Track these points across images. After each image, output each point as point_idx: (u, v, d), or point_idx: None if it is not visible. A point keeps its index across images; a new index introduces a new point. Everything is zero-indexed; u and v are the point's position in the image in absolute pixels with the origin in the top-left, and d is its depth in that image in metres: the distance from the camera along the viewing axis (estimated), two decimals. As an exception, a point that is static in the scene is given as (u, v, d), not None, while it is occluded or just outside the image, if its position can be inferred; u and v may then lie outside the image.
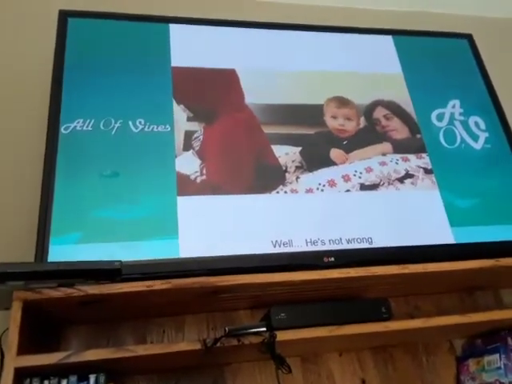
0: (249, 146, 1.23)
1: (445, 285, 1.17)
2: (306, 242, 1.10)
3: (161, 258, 1.01)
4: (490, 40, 1.66)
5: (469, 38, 1.59)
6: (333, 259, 1.08)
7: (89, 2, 1.37)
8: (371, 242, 1.13)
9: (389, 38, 1.52)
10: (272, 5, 1.62)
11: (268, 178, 1.19)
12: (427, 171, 1.28)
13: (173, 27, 1.35)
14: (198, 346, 0.87)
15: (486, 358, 1.11)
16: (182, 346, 0.88)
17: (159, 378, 1.01)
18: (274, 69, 1.37)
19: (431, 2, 1.75)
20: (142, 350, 0.86)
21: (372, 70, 1.44)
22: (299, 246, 1.09)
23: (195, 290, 0.93)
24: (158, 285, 0.90)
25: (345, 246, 1.12)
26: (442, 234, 1.19)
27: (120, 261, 0.88)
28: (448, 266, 1.05)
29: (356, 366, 1.11)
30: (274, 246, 1.08)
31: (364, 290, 1.10)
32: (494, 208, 1.27)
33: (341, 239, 1.13)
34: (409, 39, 1.54)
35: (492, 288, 1.26)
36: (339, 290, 1.06)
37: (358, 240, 1.13)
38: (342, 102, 1.35)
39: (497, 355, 1.09)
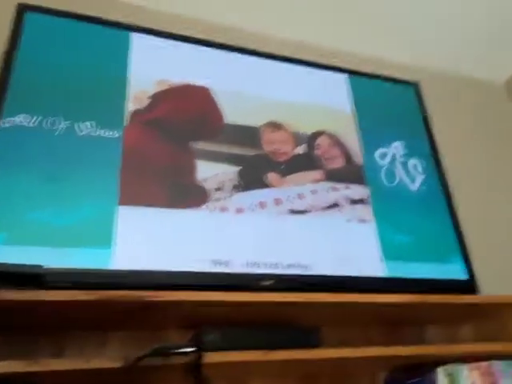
0: (166, 161, 1.21)
1: (375, 316, 1.20)
2: (245, 264, 1.10)
3: (89, 267, 0.97)
4: (434, 89, 1.78)
5: (416, 85, 1.71)
6: (269, 283, 1.08)
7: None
8: (308, 269, 1.15)
9: (344, 76, 1.60)
10: (242, 32, 1.65)
11: (194, 195, 1.17)
12: (354, 201, 1.33)
13: (134, 36, 1.35)
14: (119, 364, 0.82)
15: (407, 392, 1.14)
16: (103, 363, 0.83)
17: (76, 396, 0.94)
18: (229, 90, 1.39)
19: (384, 49, 1.86)
20: (56, 365, 0.80)
21: (325, 103, 1.50)
22: (237, 267, 1.09)
23: (123, 304, 0.90)
24: (82, 295, 0.85)
25: (282, 270, 1.13)
26: (375, 266, 1.23)
27: (42, 266, 0.84)
28: (380, 298, 1.08)
29: (282, 393, 1.10)
30: (214, 265, 1.08)
31: (297, 316, 1.10)
32: (425, 246, 1.34)
33: (278, 264, 1.14)
34: (362, 80, 1.63)
35: (418, 323, 1.31)
36: (272, 314, 1.05)
37: (296, 265, 1.15)
38: (275, 125, 1.39)
39: (418, 389, 1.12)
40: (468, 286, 1.29)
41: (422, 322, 1.31)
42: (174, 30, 1.44)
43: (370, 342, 1.20)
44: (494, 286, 1.31)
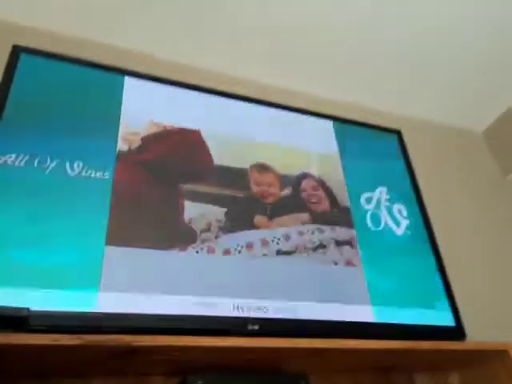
0: (155, 202, 1.21)
1: (363, 362, 1.18)
2: (232, 307, 1.09)
3: (74, 310, 0.94)
4: (415, 137, 1.85)
5: (398, 133, 1.78)
6: (257, 327, 1.07)
7: (47, 42, 1.38)
8: (296, 313, 1.14)
9: (330, 123, 1.66)
10: (233, 78, 1.72)
11: (181, 237, 1.17)
12: (340, 243, 1.35)
13: (127, 79, 1.39)
14: (102, 413, 0.79)
15: None
16: (84, 412, 0.80)
17: None
18: (218, 133, 1.42)
19: (368, 97, 1.94)
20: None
21: (313, 149, 1.55)
22: (224, 310, 1.07)
23: (107, 349, 0.87)
24: (65, 339, 0.82)
25: (270, 314, 1.11)
26: (363, 311, 1.23)
27: (28, 308, 0.81)
28: (368, 344, 1.07)
29: None
30: (201, 308, 1.06)
31: (285, 362, 1.08)
32: (411, 292, 1.34)
33: (266, 307, 1.12)
34: (347, 127, 1.69)
35: (406, 370, 1.29)
36: (260, 359, 1.03)
37: (284, 309, 1.14)
38: (262, 167, 1.42)
39: None
40: (455, 332, 1.29)
41: (411, 369, 1.29)
42: (167, 75, 1.48)
43: (358, 390, 1.18)
44: (481, 332, 1.31)
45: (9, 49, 1.27)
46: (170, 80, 1.47)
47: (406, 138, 1.76)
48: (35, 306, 0.88)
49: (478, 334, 1.30)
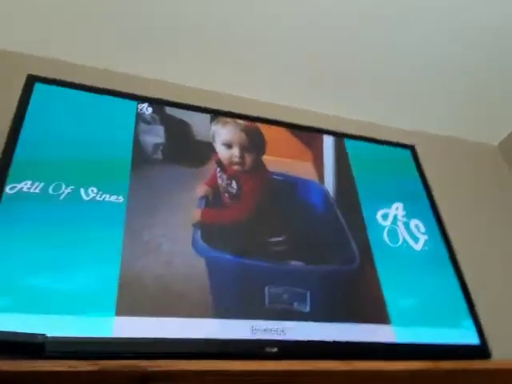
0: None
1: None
2: (252, 329, 1.07)
3: (91, 335, 0.93)
4: (430, 152, 1.83)
5: (412, 148, 1.76)
6: (275, 350, 1.04)
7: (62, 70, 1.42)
8: (312, 335, 1.11)
9: (342, 141, 1.65)
10: (240, 101, 1.73)
11: None
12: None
13: (140, 106, 1.41)
14: None
15: None
16: None
17: None
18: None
19: (380, 116, 1.94)
20: None
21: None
22: (243, 333, 1.06)
23: (124, 375, 0.85)
24: (83, 366, 0.82)
25: (288, 336, 1.09)
26: (383, 331, 1.19)
27: (44, 334, 0.81)
28: (392, 366, 1.04)
29: None
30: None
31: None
32: (433, 310, 1.30)
33: (284, 330, 1.10)
34: (360, 143, 1.68)
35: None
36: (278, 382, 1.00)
37: (301, 332, 1.11)
38: None
39: None
40: (480, 351, 1.24)
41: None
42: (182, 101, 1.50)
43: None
44: (506, 351, 1.26)
45: (23, 78, 1.30)
46: (182, 104, 1.49)
47: (420, 153, 1.74)
48: (51, 333, 0.87)
49: (503, 353, 1.25)
